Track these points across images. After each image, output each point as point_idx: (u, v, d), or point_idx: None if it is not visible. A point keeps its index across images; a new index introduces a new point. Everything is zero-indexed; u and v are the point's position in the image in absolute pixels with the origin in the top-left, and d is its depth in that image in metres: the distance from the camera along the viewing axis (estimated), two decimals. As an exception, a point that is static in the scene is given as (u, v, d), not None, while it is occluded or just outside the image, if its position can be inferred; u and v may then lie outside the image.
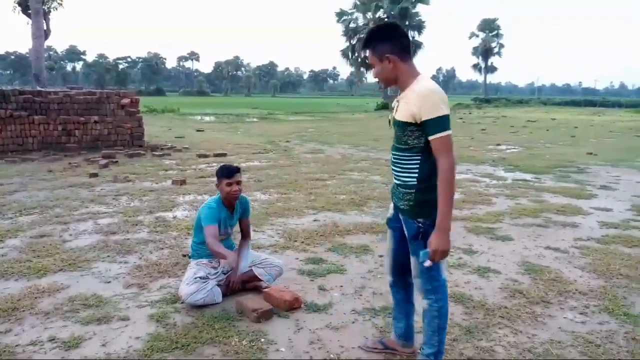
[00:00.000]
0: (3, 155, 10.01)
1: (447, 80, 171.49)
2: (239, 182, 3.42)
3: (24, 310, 3.21)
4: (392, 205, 2.54)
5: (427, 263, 2.28)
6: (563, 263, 4.26)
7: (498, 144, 14.50)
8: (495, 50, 69.73)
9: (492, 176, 8.76)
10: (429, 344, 2.44)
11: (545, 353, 2.74)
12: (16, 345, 2.77)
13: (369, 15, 42.01)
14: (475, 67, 72.52)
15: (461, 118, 29.09)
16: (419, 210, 2.29)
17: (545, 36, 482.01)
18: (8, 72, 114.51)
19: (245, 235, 3.67)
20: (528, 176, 8.81)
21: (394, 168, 2.39)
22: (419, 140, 2.24)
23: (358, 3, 42.36)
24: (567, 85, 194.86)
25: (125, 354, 2.70)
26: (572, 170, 9.56)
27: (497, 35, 69.31)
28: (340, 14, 42.96)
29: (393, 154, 2.38)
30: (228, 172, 3.38)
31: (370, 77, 56.51)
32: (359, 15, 43.28)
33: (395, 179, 2.40)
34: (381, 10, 41.78)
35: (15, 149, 10.54)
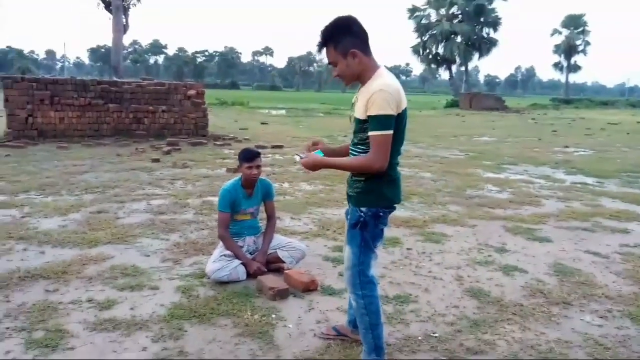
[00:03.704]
0: (80, 139, 10.94)
1: (525, 80, 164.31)
2: (258, 166, 3.62)
3: (71, 274, 3.60)
4: None
5: (297, 159, 2.41)
6: (599, 267, 4.11)
7: (566, 146, 13.81)
8: (580, 48, 65.81)
9: (549, 178, 8.43)
10: (365, 342, 2.45)
11: (548, 351, 2.71)
12: (59, 303, 3.14)
13: (442, 11, 41.15)
14: (557, 65, 68.84)
15: (533, 119, 27.83)
16: (365, 198, 2.31)
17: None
18: (98, 64, 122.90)
19: (270, 217, 3.88)
20: (589, 180, 8.39)
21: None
22: None
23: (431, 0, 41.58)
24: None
25: (148, 318, 2.97)
26: (642, 176, 8.98)
27: (583, 32, 65.29)
28: (413, 10, 42.46)
29: (351, 148, 2.40)
30: (250, 156, 3.60)
31: (444, 74, 55.37)
32: (432, 12, 42.58)
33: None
34: (455, 6, 40.80)
35: (92, 134, 11.48)
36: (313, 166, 2.38)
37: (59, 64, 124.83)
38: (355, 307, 2.44)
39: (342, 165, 2.36)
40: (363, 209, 2.32)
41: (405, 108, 2.26)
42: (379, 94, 2.14)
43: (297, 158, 2.47)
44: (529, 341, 2.82)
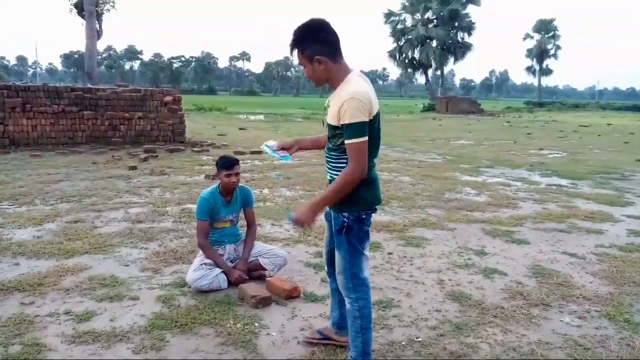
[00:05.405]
0: (55, 147, 10.71)
1: (500, 83, 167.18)
2: (237, 174, 3.61)
3: (48, 286, 3.51)
4: None
5: (292, 224, 2.42)
6: (576, 268, 4.20)
7: (541, 149, 14.08)
8: (551, 52, 67.24)
9: (526, 180, 8.58)
10: (353, 345, 2.45)
11: (529, 353, 2.75)
12: (35, 316, 3.06)
13: (417, 16, 41.67)
14: (529, 69, 70.26)
15: (508, 122, 28.33)
16: (345, 205, 2.31)
17: (609, 37, 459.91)
18: (72, 70, 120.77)
19: (250, 224, 3.86)
20: (564, 182, 8.57)
21: (327, 166, 2.43)
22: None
23: (406, 4, 42.13)
24: (632, 89, 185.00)
25: (129, 329, 2.92)
26: (614, 177, 9.20)
27: (554, 37, 66.76)
28: (388, 15, 42.85)
29: (326, 153, 2.42)
30: (228, 164, 3.58)
31: (420, 79, 55.96)
32: (407, 17, 43.07)
33: (328, 175, 2.44)
34: (430, 11, 41.36)
35: (66, 141, 11.25)
36: (309, 218, 2.34)
37: (31, 70, 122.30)
38: (349, 310, 2.44)
39: (331, 195, 2.30)
40: (345, 214, 2.33)
41: (378, 111, 2.29)
42: (349, 102, 2.14)
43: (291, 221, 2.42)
44: (511, 343, 2.86)
